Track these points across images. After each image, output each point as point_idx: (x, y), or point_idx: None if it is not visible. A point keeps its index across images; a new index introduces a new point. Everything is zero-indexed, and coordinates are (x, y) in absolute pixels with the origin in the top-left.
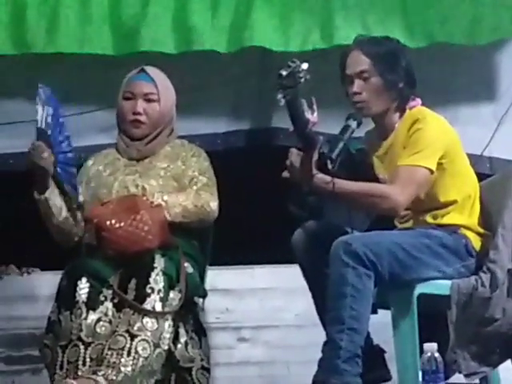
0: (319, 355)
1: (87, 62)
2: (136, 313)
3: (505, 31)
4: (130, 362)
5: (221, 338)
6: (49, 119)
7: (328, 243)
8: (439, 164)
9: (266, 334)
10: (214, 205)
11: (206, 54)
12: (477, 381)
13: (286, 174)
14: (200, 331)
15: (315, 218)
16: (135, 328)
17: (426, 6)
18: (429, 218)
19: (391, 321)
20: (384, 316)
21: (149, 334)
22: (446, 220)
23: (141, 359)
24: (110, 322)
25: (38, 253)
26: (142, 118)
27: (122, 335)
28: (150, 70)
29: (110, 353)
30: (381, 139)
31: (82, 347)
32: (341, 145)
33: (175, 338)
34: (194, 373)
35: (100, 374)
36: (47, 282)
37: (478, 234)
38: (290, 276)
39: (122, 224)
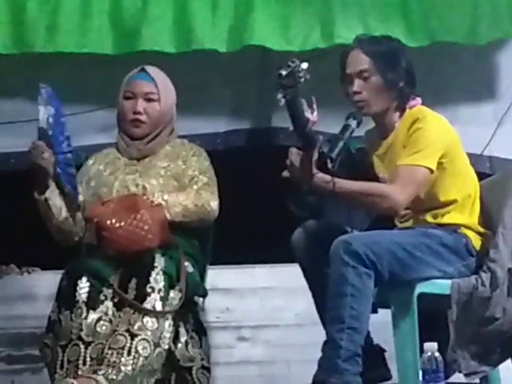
0: (319, 354)
1: (87, 62)
2: (136, 312)
3: (505, 31)
4: (131, 362)
5: (221, 337)
6: (50, 119)
7: (328, 243)
8: (439, 163)
9: (266, 333)
10: (214, 204)
11: (206, 54)
12: (477, 380)
13: (285, 173)
14: (200, 330)
15: (315, 217)
16: (135, 327)
17: (426, 6)
18: (429, 218)
19: (391, 320)
20: (384, 315)
21: (149, 333)
22: (446, 219)
23: (141, 358)
24: (111, 321)
25: (39, 252)
26: (143, 118)
27: (122, 334)
28: (151, 69)
29: (110, 352)
30: (381, 138)
31: (82, 346)
32: (341, 144)
33: (175, 338)
34: (194, 372)
35: (100, 373)
36: (47, 282)
37: (478, 233)
38: (290, 275)
39: (123, 223)
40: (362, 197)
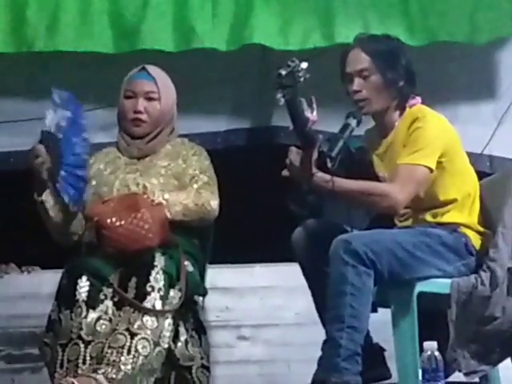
0: (319, 354)
1: (87, 61)
2: (136, 311)
3: (505, 30)
4: (130, 361)
5: (221, 336)
6: (62, 122)
7: (328, 242)
8: (439, 163)
9: (266, 332)
10: (214, 203)
11: (206, 53)
12: (477, 379)
13: (285, 172)
14: (200, 329)
15: (315, 216)
16: (135, 326)
17: (426, 5)
18: (428, 217)
19: (391, 319)
20: (384, 314)
21: (149, 332)
22: (445, 218)
23: (141, 357)
24: (110, 320)
25: (39, 251)
26: (143, 117)
27: (122, 333)
28: (151, 68)
29: (110, 351)
30: (381, 137)
31: (82, 346)
32: (340, 143)
33: (175, 337)
34: (193, 371)
35: (100, 372)
36: (47, 281)
37: (478, 232)
38: (290, 274)
39: (123, 222)
40: (361, 196)
